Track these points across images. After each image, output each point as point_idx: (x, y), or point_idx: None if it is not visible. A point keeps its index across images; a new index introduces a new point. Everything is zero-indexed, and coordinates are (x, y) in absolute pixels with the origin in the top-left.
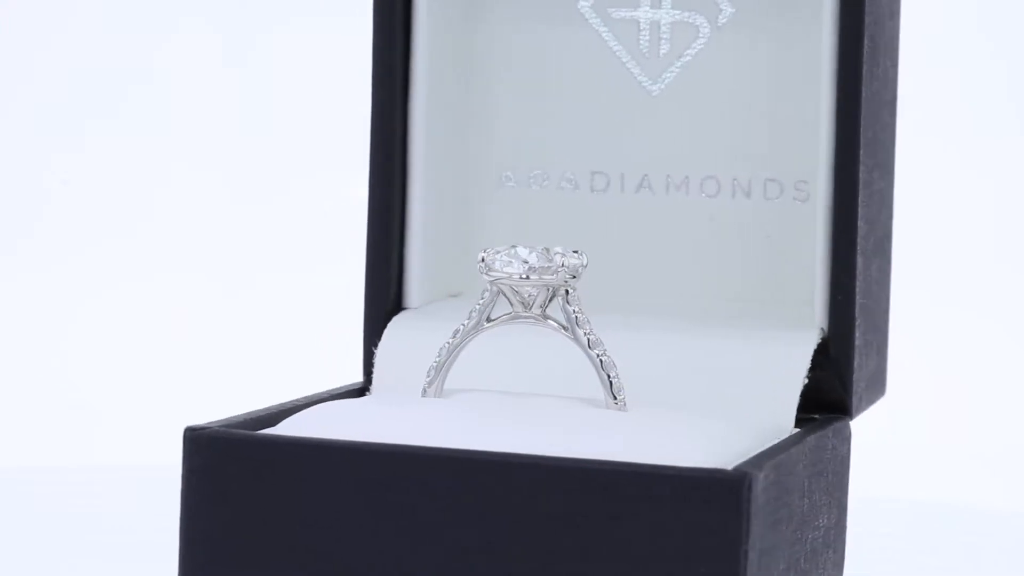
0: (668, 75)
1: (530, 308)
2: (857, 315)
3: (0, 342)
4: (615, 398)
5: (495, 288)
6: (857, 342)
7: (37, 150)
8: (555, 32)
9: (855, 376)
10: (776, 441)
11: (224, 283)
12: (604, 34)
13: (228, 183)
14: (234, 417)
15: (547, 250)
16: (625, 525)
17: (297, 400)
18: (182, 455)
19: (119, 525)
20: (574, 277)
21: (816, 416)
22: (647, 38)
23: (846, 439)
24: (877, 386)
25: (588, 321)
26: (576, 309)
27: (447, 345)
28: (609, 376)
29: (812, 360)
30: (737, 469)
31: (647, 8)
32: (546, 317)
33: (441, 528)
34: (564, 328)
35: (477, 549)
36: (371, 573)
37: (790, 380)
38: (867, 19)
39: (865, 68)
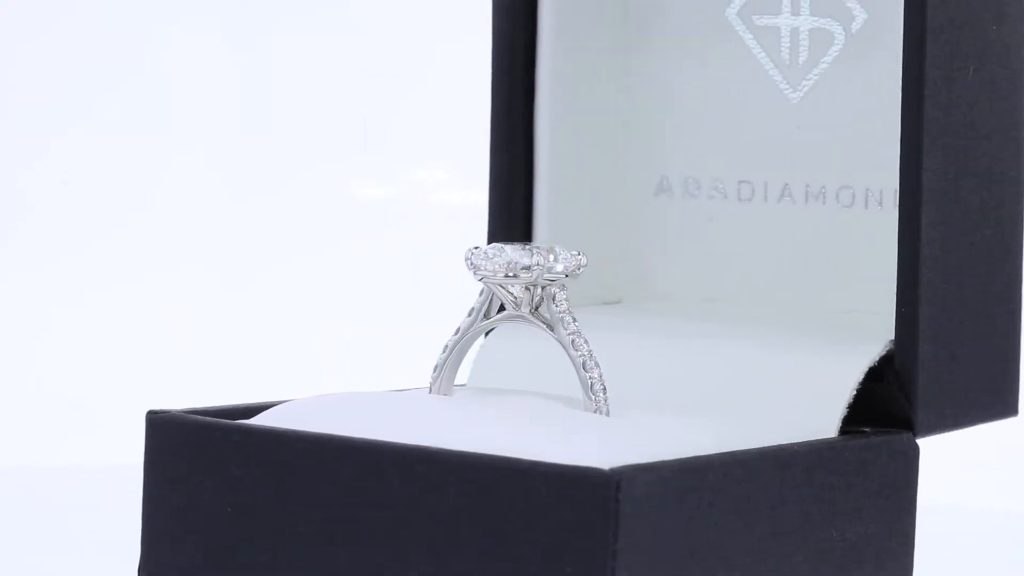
0: (807, 83)
1: (519, 307)
2: (923, 327)
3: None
4: (593, 399)
5: (488, 287)
6: (922, 356)
7: (36, 149)
8: (704, 40)
9: (923, 391)
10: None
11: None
12: (749, 41)
13: (244, 179)
14: (233, 405)
15: (529, 249)
16: (498, 518)
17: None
18: (144, 438)
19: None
20: (567, 276)
21: (866, 429)
22: (787, 45)
23: (898, 454)
24: (986, 405)
25: (574, 321)
26: (561, 309)
27: (449, 344)
28: (590, 377)
29: (880, 373)
30: (612, 469)
31: (787, 15)
32: (534, 316)
33: (344, 513)
34: (550, 328)
35: (362, 532)
36: (307, 558)
37: (837, 390)
38: (933, 24)
39: (931, 74)
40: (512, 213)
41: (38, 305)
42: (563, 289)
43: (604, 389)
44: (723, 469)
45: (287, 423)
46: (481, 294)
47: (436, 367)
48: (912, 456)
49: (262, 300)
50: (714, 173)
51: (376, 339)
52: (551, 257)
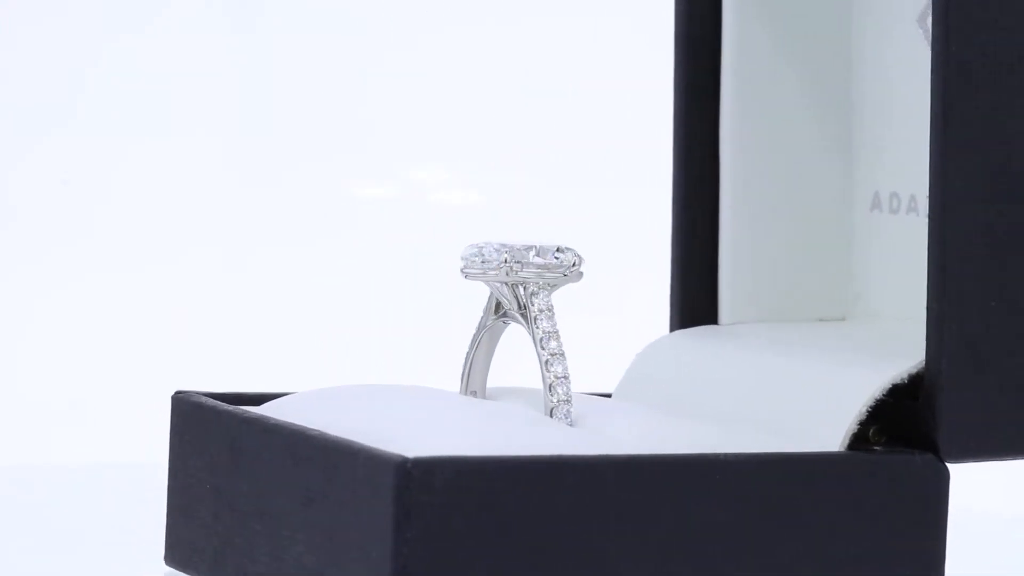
0: None
1: (511, 305)
2: (949, 346)
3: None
4: (551, 397)
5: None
6: (950, 374)
7: (36, 147)
8: (895, 49)
9: (950, 412)
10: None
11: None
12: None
13: (244, 178)
14: (251, 392)
15: (507, 247)
16: (344, 499)
17: None
18: (169, 416)
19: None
20: (564, 276)
21: (877, 448)
22: None
23: (914, 476)
24: None
25: (550, 320)
26: (540, 308)
27: (471, 341)
28: (553, 375)
29: (912, 392)
30: (416, 458)
31: None
32: (520, 315)
33: (268, 488)
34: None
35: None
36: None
37: (848, 404)
38: (957, 23)
39: (958, 76)
40: (696, 227)
41: (35, 303)
42: (545, 288)
43: (566, 388)
44: (590, 470)
45: (281, 412)
46: (490, 292)
47: (463, 366)
48: (935, 479)
49: (262, 299)
50: (911, 188)
51: (376, 338)
52: (525, 256)
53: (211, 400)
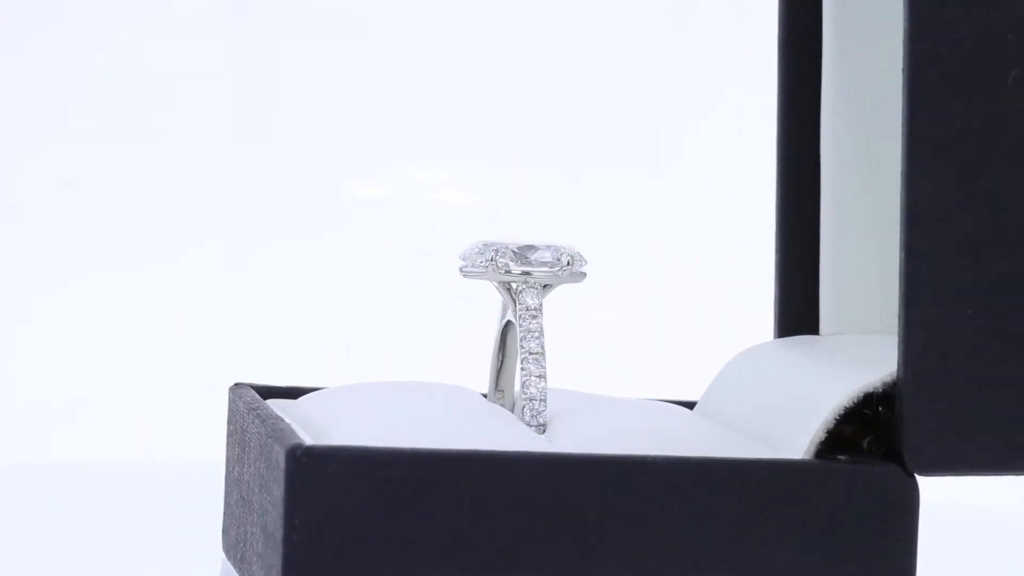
0: None
1: (509, 304)
2: (917, 355)
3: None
4: (525, 393)
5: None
6: (914, 385)
7: (36, 147)
8: None
9: (916, 423)
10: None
11: None
12: None
13: (244, 178)
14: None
15: (492, 246)
16: (267, 486)
17: None
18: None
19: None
20: (561, 275)
21: (842, 457)
22: None
23: (871, 487)
24: (1016, 456)
25: (535, 319)
26: (526, 307)
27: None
28: (528, 373)
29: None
30: (308, 446)
31: None
32: (513, 314)
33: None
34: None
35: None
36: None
37: (816, 411)
38: (925, 23)
39: (923, 89)
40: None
41: (35, 303)
42: (534, 287)
43: (540, 387)
44: (488, 465)
45: (304, 405)
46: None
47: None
48: (902, 491)
49: (261, 299)
50: None
51: (376, 338)
52: (512, 255)
53: (247, 391)
